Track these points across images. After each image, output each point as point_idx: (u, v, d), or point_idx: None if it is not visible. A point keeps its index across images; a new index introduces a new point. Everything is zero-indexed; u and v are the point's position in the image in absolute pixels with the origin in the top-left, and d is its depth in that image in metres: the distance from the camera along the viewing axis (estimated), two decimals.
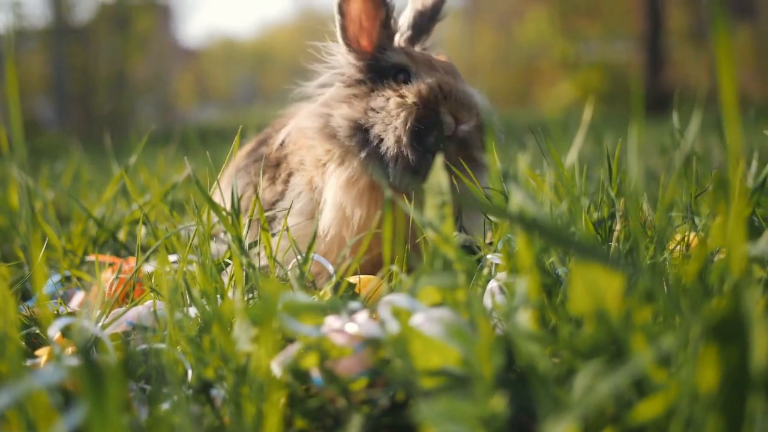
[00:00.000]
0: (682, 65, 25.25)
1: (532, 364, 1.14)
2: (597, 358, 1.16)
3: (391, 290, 1.73)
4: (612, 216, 1.86)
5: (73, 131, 17.65)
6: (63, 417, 1.00)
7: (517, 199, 1.35)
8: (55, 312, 1.92)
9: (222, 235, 2.26)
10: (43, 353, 1.64)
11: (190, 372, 1.44)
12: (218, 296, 1.74)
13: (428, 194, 1.50)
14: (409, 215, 1.59)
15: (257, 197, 1.85)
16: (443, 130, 1.98)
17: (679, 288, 1.27)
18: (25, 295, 2.27)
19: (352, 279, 1.84)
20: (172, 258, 2.07)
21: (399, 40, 2.25)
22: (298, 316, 1.37)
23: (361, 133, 2.02)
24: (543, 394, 1.10)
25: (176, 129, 4.87)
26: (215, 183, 2.00)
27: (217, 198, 2.12)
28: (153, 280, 1.90)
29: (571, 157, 2.25)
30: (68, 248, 2.60)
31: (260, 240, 1.82)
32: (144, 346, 1.58)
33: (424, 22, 2.28)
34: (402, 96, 2.01)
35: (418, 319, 1.29)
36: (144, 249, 2.59)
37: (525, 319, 1.24)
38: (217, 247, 2.25)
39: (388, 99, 2.02)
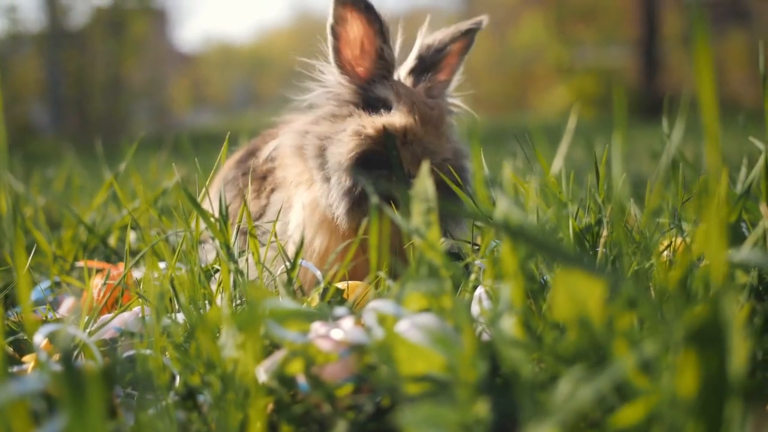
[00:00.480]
0: (677, 70, 25.30)
1: (515, 370, 1.14)
2: (580, 364, 1.16)
3: (378, 296, 1.74)
4: (600, 222, 1.87)
5: (68, 136, 17.63)
6: (44, 425, 1.01)
7: (502, 206, 1.36)
8: (44, 318, 1.92)
9: (210, 241, 2.26)
10: (30, 359, 1.64)
11: (177, 378, 1.44)
12: (206, 302, 1.74)
13: (414, 201, 1.50)
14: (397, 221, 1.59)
15: (245, 205, 1.85)
16: (394, 173, 1.96)
17: (662, 294, 1.28)
18: (14, 301, 2.27)
19: (340, 285, 1.84)
20: (162, 264, 2.07)
21: (403, 71, 2.23)
22: (283, 323, 1.37)
23: (321, 156, 2.02)
24: (526, 400, 1.10)
25: (169, 134, 4.87)
26: (204, 189, 2.01)
27: (206, 205, 2.12)
28: (141, 286, 1.90)
29: (558, 163, 2.26)
30: (58, 254, 2.60)
31: (248, 247, 1.82)
32: (131, 353, 1.59)
33: (431, 56, 2.25)
34: (362, 126, 1.99)
35: (403, 326, 1.30)
36: (134, 255, 2.59)
37: (509, 325, 1.25)
38: (205, 254, 2.25)
39: (350, 126, 2.01)
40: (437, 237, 1.46)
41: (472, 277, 1.60)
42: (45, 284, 2.30)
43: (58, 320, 1.90)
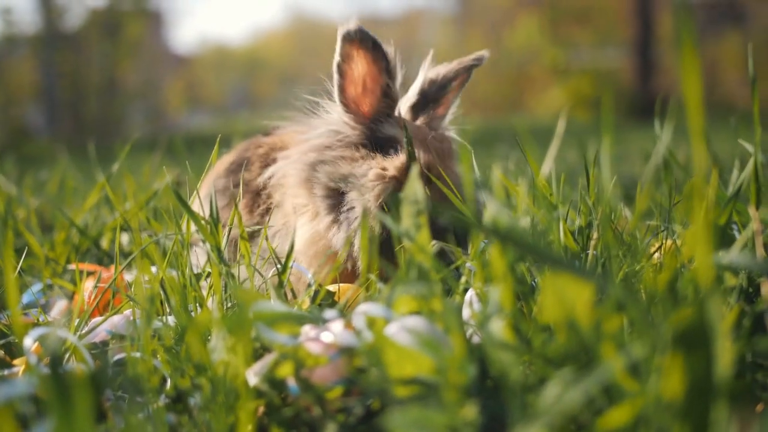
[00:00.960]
0: (672, 72, 25.33)
1: (504, 373, 1.14)
2: (568, 366, 1.17)
3: (369, 299, 1.74)
4: (590, 224, 1.87)
5: (63, 138, 17.62)
6: (33, 428, 1.01)
7: (491, 209, 1.36)
8: (35, 321, 1.92)
9: (201, 244, 2.26)
10: (21, 363, 1.64)
11: (168, 381, 1.44)
12: (197, 305, 1.74)
13: (404, 204, 1.51)
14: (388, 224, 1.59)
15: (236, 208, 1.85)
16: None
17: (651, 297, 1.28)
18: (4, 304, 2.26)
19: (332, 287, 1.85)
20: (155, 267, 2.07)
21: (403, 106, 2.21)
22: (274, 326, 1.37)
23: (336, 197, 2.00)
24: (514, 402, 1.11)
25: (163, 136, 4.87)
26: (195, 192, 2.00)
27: (197, 207, 2.12)
28: (132, 289, 1.90)
29: (548, 166, 2.26)
30: (50, 256, 2.60)
31: (239, 250, 1.82)
32: (121, 356, 1.59)
33: (433, 92, 2.23)
34: (383, 168, 1.97)
35: (392, 329, 1.30)
36: (127, 257, 2.59)
37: (498, 328, 1.25)
38: (197, 257, 2.25)
39: (370, 169, 1.98)
40: (427, 240, 1.46)
41: (463, 279, 1.60)
42: (37, 287, 2.30)
43: (49, 323, 1.90)
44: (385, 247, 1.91)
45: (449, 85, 2.25)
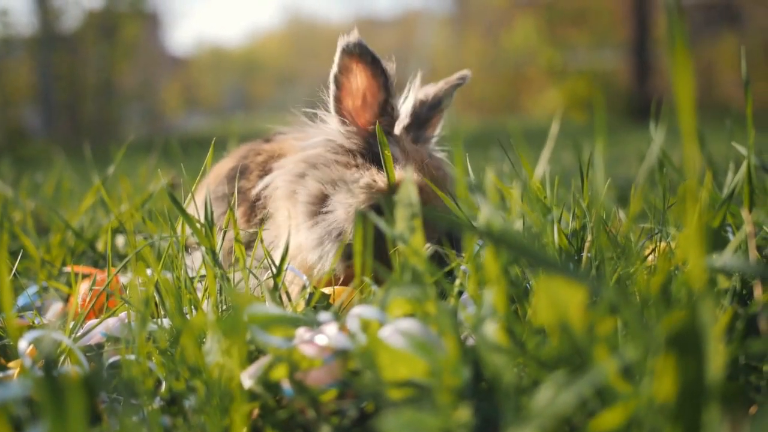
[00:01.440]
0: (668, 73, 25.34)
1: (498, 376, 1.15)
2: (561, 369, 1.17)
3: (363, 302, 1.74)
4: (584, 227, 1.88)
5: (59, 139, 17.62)
6: (27, 431, 1.01)
7: (485, 212, 1.36)
8: (31, 323, 1.92)
9: (197, 248, 2.26)
10: (16, 365, 1.64)
11: (162, 383, 1.45)
12: (192, 308, 1.74)
13: (398, 207, 1.51)
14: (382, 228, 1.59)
15: (231, 210, 1.85)
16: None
17: (644, 300, 1.28)
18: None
19: (326, 290, 1.85)
20: (150, 270, 2.07)
21: (397, 127, 2.19)
22: (268, 328, 1.37)
23: (319, 203, 1.99)
24: (508, 405, 1.11)
25: (160, 138, 4.87)
26: (190, 195, 2.01)
27: (193, 210, 2.12)
28: (127, 292, 1.90)
29: (542, 168, 2.26)
30: (46, 259, 2.60)
31: (234, 253, 1.82)
32: (116, 358, 1.59)
33: (425, 112, 2.23)
34: (374, 180, 1.97)
35: (386, 332, 1.30)
36: (122, 259, 2.59)
37: (492, 330, 1.25)
38: (193, 261, 2.25)
39: (362, 177, 1.98)
40: (421, 243, 1.47)
41: (457, 282, 1.61)
42: (32, 289, 2.30)
43: (44, 326, 1.90)
44: (376, 248, 1.91)
45: (440, 104, 2.26)
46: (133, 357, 1.41)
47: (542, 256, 1.18)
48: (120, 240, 2.95)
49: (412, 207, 1.50)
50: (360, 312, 1.38)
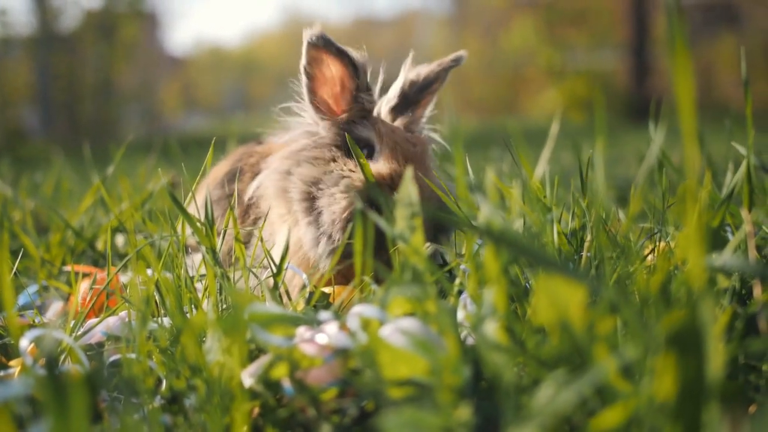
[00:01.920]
0: (667, 73, 25.35)
1: (498, 374, 1.15)
2: (561, 368, 1.17)
3: (363, 301, 1.74)
4: (584, 226, 1.88)
5: (58, 139, 17.61)
6: (29, 429, 1.01)
7: (485, 211, 1.37)
8: (31, 322, 1.92)
9: (197, 249, 2.26)
10: (17, 364, 1.65)
11: (163, 382, 1.45)
12: (192, 307, 1.75)
13: (398, 206, 1.51)
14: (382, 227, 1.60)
15: (231, 210, 1.86)
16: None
17: (644, 299, 1.29)
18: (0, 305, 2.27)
19: (326, 289, 1.85)
20: (150, 270, 2.07)
21: (384, 108, 2.22)
22: (269, 327, 1.37)
23: (309, 200, 2.01)
24: (508, 404, 1.11)
25: (159, 138, 4.87)
26: (190, 194, 2.01)
27: (193, 209, 2.13)
28: (128, 291, 1.91)
29: (542, 168, 2.27)
30: (46, 258, 2.60)
31: (234, 252, 1.83)
32: (117, 357, 1.59)
33: (414, 93, 2.24)
34: (352, 180, 1.98)
35: (386, 330, 1.31)
36: (122, 259, 2.59)
37: (492, 330, 1.26)
38: (192, 261, 2.25)
39: (341, 177, 2.00)
40: (421, 242, 1.47)
41: (457, 281, 1.61)
42: (33, 288, 2.30)
43: (44, 324, 1.90)
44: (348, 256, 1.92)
45: (430, 86, 2.26)
46: (133, 356, 1.41)
47: (542, 255, 1.18)
48: (120, 239, 2.95)
49: (411, 206, 1.50)
50: (360, 311, 1.38)
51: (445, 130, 2.32)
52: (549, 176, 2.18)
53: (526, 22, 28.91)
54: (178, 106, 40.34)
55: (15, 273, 2.19)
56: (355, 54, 2.07)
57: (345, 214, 1.93)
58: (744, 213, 1.64)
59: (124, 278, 2.18)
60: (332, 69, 2.08)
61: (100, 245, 2.82)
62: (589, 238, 1.77)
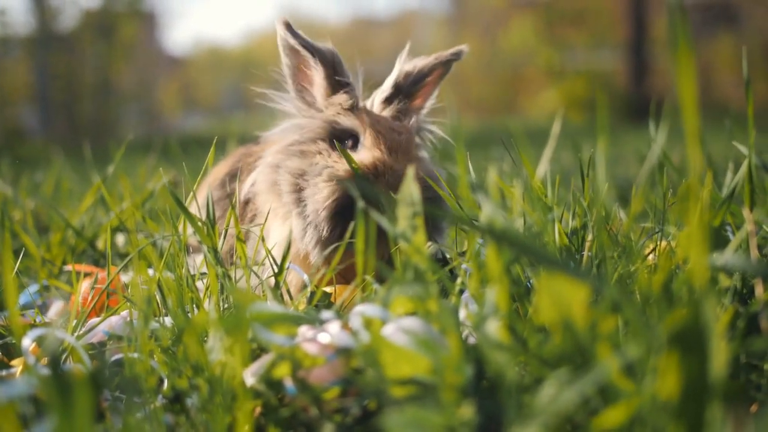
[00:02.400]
0: (666, 73, 25.37)
1: (500, 373, 1.15)
2: (564, 367, 1.17)
3: (365, 300, 1.74)
4: (585, 226, 1.88)
5: (57, 139, 17.59)
6: (32, 428, 1.01)
7: (487, 210, 1.37)
8: (32, 322, 1.92)
9: (198, 249, 2.26)
10: (18, 363, 1.64)
11: (165, 382, 1.45)
12: (194, 306, 1.75)
13: (400, 206, 1.51)
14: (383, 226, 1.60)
15: (233, 209, 1.86)
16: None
17: (646, 298, 1.29)
18: (1, 305, 2.27)
19: (327, 289, 1.85)
20: (151, 269, 2.07)
21: (377, 98, 2.24)
22: (271, 326, 1.37)
23: (297, 192, 2.03)
24: (510, 403, 1.11)
25: (158, 138, 4.87)
26: (192, 194, 2.01)
27: (194, 209, 2.13)
28: (129, 290, 1.91)
29: (543, 168, 2.27)
30: (47, 257, 2.60)
31: (235, 251, 1.83)
32: (119, 356, 1.59)
33: (408, 85, 2.24)
34: (335, 170, 2.00)
35: (389, 330, 1.31)
36: (122, 258, 2.59)
37: (494, 329, 1.26)
38: (194, 261, 2.25)
39: (325, 167, 2.02)
40: (423, 241, 1.47)
41: (459, 281, 1.61)
42: (33, 288, 2.30)
43: (46, 324, 1.90)
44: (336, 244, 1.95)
45: (424, 79, 2.26)
46: (136, 355, 1.41)
47: (545, 254, 1.19)
48: (120, 239, 2.95)
49: (414, 206, 1.50)
50: (362, 310, 1.38)
51: (447, 130, 2.32)
52: (549, 176, 2.18)
53: (525, 22, 28.92)
54: (177, 105, 40.29)
55: (16, 272, 2.19)
56: (320, 45, 2.12)
57: (328, 203, 1.94)
58: (746, 212, 1.64)
59: (125, 278, 2.18)
60: (307, 61, 2.13)
61: (100, 245, 2.81)
62: (590, 237, 1.77)
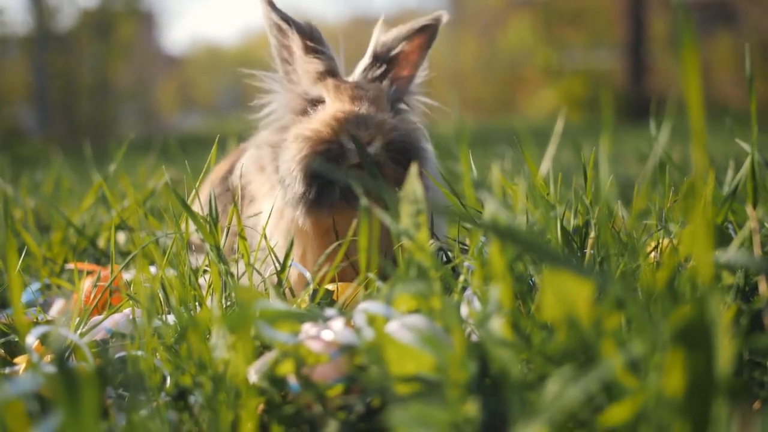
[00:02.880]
0: (664, 73, 25.41)
1: (504, 371, 1.15)
2: (568, 364, 1.17)
3: (368, 297, 1.74)
4: (587, 223, 1.88)
5: (55, 139, 17.59)
6: (39, 425, 1.01)
7: (490, 208, 1.37)
8: (35, 320, 1.92)
9: (200, 246, 2.26)
10: (22, 361, 1.65)
11: (168, 379, 1.45)
12: (197, 304, 1.75)
13: (403, 203, 1.51)
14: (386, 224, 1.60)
15: (235, 207, 1.86)
16: (346, 159, 1.98)
17: (650, 295, 1.29)
18: (4, 303, 2.27)
19: (330, 286, 1.85)
20: (153, 267, 2.07)
21: (357, 70, 2.27)
22: (274, 324, 1.37)
23: (274, 161, 2.06)
24: (515, 400, 1.11)
25: (157, 137, 4.87)
26: (194, 192, 2.01)
27: (196, 208, 2.13)
28: (132, 288, 1.91)
29: (546, 166, 2.27)
30: (48, 256, 2.60)
31: (237, 249, 1.83)
32: (122, 354, 1.59)
33: (384, 54, 2.26)
34: (301, 129, 2.03)
35: (392, 327, 1.31)
36: (124, 256, 2.59)
37: (498, 326, 1.26)
38: (196, 259, 2.26)
39: (294, 132, 2.04)
40: (426, 238, 1.47)
41: (461, 278, 1.61)
42: (35, 286, 2.30)
43: (48, 322, 1.90)
44: (318, 201, 1.98)
45: (400, 45, 2.27)
46: (139, 353, 1.41)
47: (549, 251, 1.19)
48: (121, 237, 2.95)
49: (417, 203, 1.50)
50: (366, 307, 1.38)
51: (448, 130, 2.33)
52: (550, 174, 2.19)
53: (523, 21, 28.95)
54: (174, 105, 40.30)
55: (18, 271, 2.19)
56: (297, 19, 2.18)
57: (297, 158, 1.96)
58: (749, 209, 1.64)
59: (127, 276, 2.18)
60: (288, 35, 2.19)
61: (101, 243, 2.81)
62: (593, 234, 1.77)
